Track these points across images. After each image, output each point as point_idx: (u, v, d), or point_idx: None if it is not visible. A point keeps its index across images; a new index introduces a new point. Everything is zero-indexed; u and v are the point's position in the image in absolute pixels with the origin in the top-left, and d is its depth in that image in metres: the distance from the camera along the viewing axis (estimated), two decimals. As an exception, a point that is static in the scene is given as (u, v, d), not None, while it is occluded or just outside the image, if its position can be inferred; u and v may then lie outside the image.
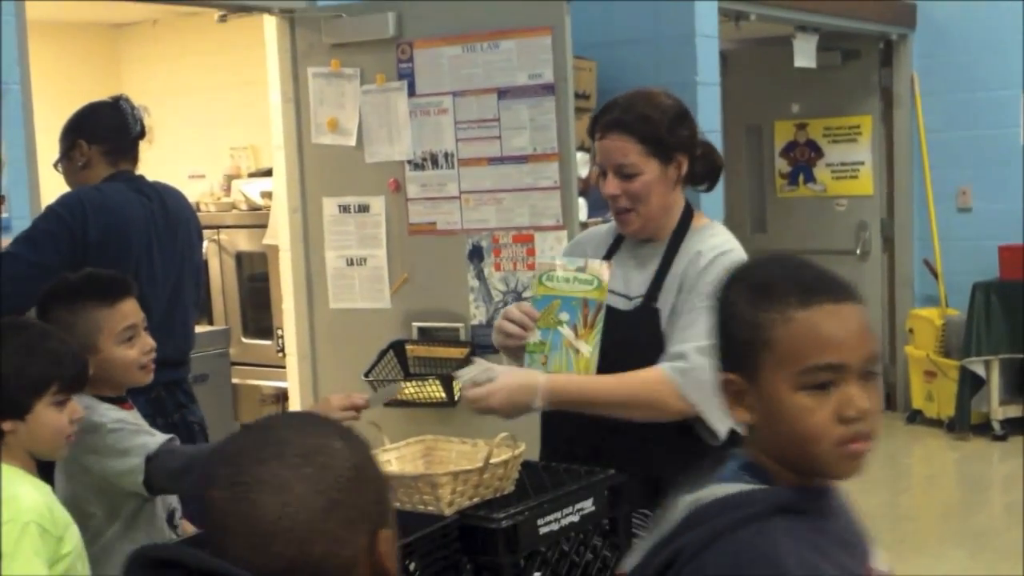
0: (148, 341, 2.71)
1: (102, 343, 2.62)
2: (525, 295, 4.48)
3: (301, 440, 1.40)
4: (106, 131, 3.59)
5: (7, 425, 2.34)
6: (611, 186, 2.69)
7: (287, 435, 1.41)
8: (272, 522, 1.34)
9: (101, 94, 3.80)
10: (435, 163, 4.64)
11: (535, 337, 2.67)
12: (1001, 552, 5.34)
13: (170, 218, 3.62)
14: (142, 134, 3.67)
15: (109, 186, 3.52)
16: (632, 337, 2.65)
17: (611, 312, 2.67)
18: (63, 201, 3.46)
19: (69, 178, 3.65)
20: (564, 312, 2.66)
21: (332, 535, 1.37)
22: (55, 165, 3.66)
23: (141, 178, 3.64)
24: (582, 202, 4.59)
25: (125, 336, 2.66)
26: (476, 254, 4.59)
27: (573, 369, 2.64)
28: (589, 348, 2.64)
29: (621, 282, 2.74)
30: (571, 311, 2.65)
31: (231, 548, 1.35)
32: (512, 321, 2.70)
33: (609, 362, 2.64)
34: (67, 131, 3.62)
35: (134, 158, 3.65)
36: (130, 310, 2.69)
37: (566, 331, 2.65)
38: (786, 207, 8.26)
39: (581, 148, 4.72)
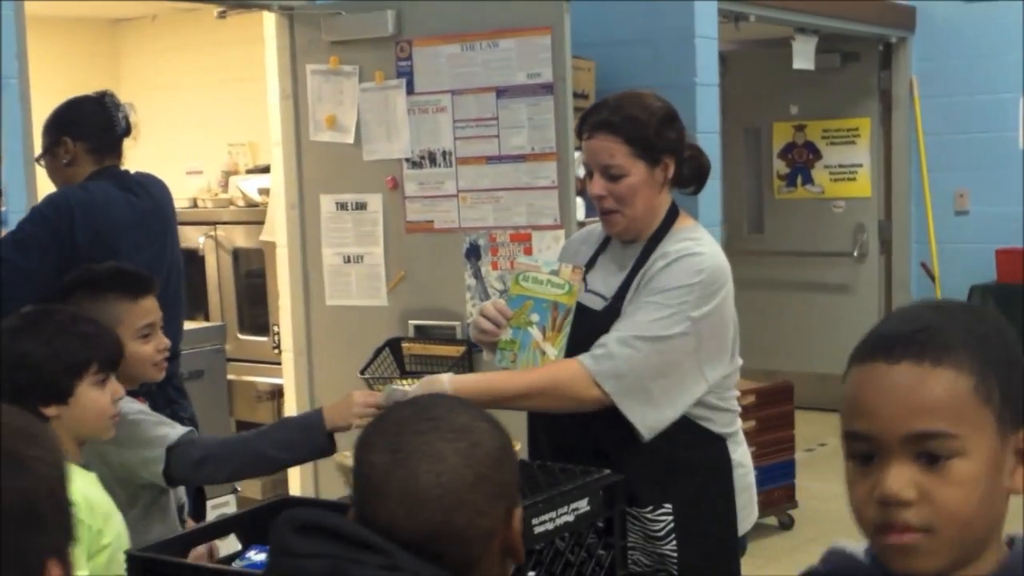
0: (163, 340, 2.77)
1: (121, 336, 2.63)
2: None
3: (454, 418, 1.54)
4: (91, 128, 3.57)
5: (51, 411, 2.33)
6: (597, 187, 2.70)
7: (441, 413, 1.55)
8: (426, 489, 1.47)
9: (99, 89, 3.79)
10: (433, 161, 4.63)
11: (507, 335, 2.72)
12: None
13: (158, 214, 3.61)
14: (128, 131, 3.65)
15: (96, 186, 3.49)
16: (596, 335, 2.66)
17: (584, 311, 2.71)
18: (50, 202, 3.45)
19: (53, 174, 3.64)
20: (535, 313, 2.70)
21: (476, 507, 1.49)
22: (37, 160, 3.64)
23: (126, 173, 3.62)
24: (580, 201, 4.59)
25: (143, 332, 2.71)
26: (473, 252, 4.59)
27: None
28: (555, 351, 2.68)
29: (601, 282, 2.76)
30: (541, 313, 2.70)
31: (384, 511, 1.48)
32: (487, 318, 2.73)
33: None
34: (51, 127, 3.60)
35: (119, 154, 3.63)
36: (151, 307, 2.74)
37: (535, 332, 2.70)
38: (784, 208, 8.26)
39: (579, 148, 4.72)
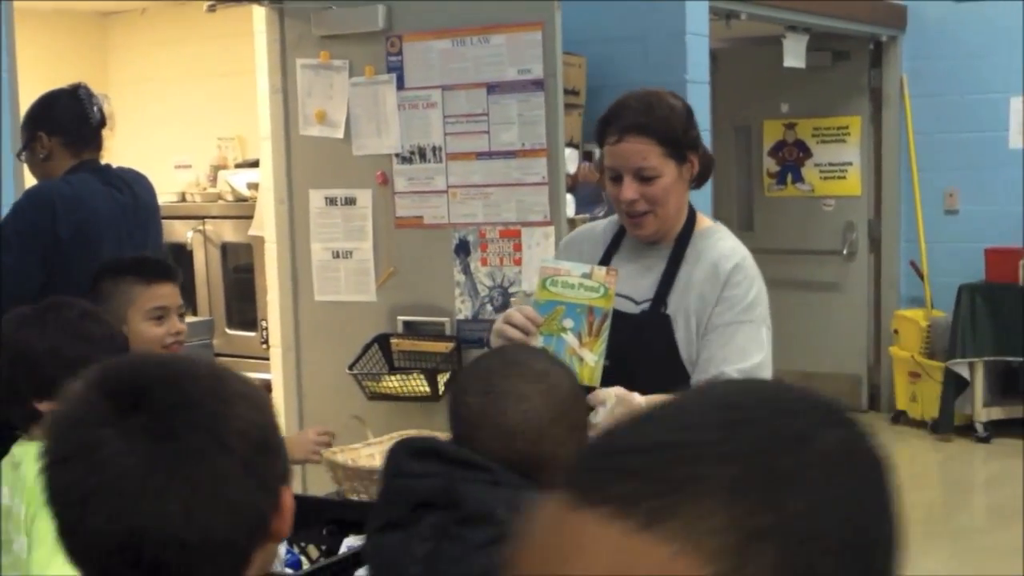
0: (177, 325, 2.87)
1: (131, 316, 2.78)
2: (511, 290, 4.47)
3: (536, 363, 1.85)
4: (65, 122, 3.56)
5: (44, 405, 2.32)
6: (630, 191, 2.61)
7: (525, 359, 1.87)
8: (515, 424, 1.77)
9: (89, 82, 3.77)
10: (423, 157, 4.62)
11: (537, 343, 2.56)
12: (983, 553, 5.35)
13: (140, 210, 3.60)
14: (103, 122, 3.64)
15: (78, 179, 3.48)
16: (640, 341, 2.62)
17: (616, 315, 2.61)
18: (30, 197, 3.44)
19: (33, 169, 3.63)
20: (568, 319, 2.58)
21: (557, 438, 1.79)
22: (18, 156, 3.64)
23: (108, 167, 3.61)
24: (569, 198, 4.58)
25: (154, 315, 2.82)
26: (463, 248, 4.58)
27: (577, 378, 2.59)
28: (594, 357, 2.56)
29: (625, 284, 2.68)
30: (576, 318, 2.58)
31: (479, 442, 1.77)
32: (514, 325, 2.59)
33: (616, 365, 2.59)
34: (26, 123, 3.59)
35: (98, 146, 3.61)
36: (165, 293, 2.86)
37: (570, 338, 2.57)
38: (774, 207, 8.26)
39: (570, 144, 4.71)
